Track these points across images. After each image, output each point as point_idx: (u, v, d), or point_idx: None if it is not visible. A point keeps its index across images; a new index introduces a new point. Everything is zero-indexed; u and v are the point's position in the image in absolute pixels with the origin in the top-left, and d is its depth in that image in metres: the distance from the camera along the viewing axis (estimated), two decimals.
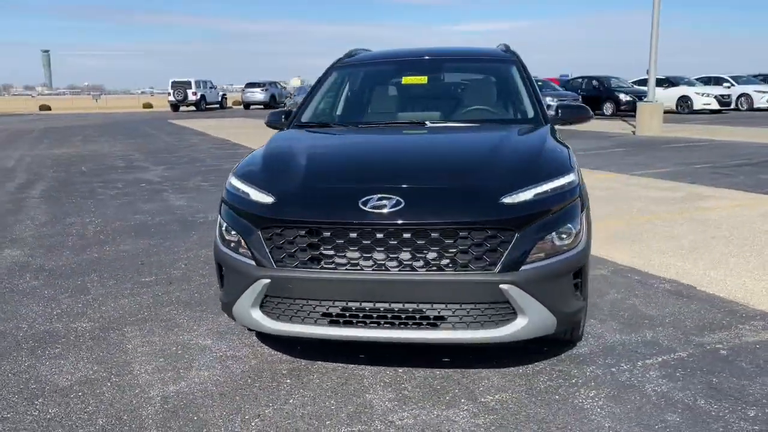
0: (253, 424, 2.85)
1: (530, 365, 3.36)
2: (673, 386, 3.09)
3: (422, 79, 4.61)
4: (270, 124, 4.54)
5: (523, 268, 2.91)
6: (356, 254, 2.94)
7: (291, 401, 3.05)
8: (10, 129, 26.19)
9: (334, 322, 3.03)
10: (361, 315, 2.99)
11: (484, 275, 2.88)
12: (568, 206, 3.10)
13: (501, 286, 2.87)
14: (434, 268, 2.90)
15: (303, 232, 2.99)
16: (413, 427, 2.79)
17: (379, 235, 2.91)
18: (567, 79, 32.27)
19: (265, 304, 3.10)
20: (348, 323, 3.02)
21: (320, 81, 4.74)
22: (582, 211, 3.17)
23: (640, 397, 3.00)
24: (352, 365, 3.40)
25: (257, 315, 3.12)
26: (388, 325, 2.98)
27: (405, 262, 2.91)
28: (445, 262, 2.90)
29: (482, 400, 3.01)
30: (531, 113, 4.12)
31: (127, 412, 2.99)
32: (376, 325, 2.99)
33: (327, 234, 2.96)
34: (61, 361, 3.56)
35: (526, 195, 3.01)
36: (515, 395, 3.05)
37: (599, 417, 2.84)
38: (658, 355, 3.45)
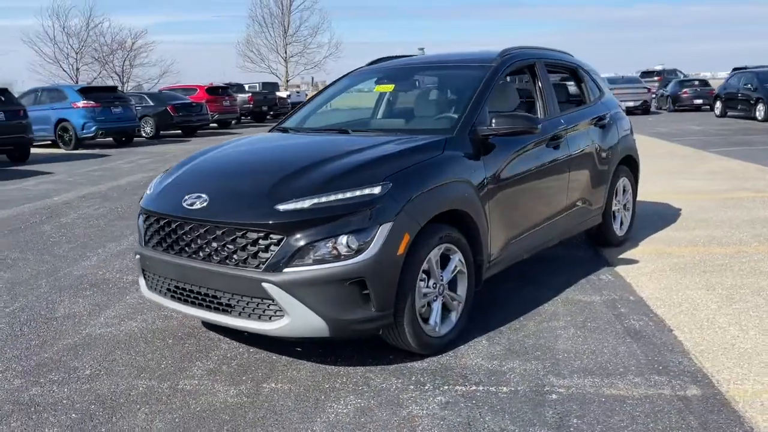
0: (101, 365, 3.64)
1: (351, 367, 3.47)
2: (434, 414, 2.96)
3: (389, 87, 4.75)
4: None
5: (286, 269, 3.13)
6: (178, 242, 3.50)
7: (147, 356, 3.76)
8: None
9: (173, 297, 3.64)
10: (184, 293, 3.55)
11: (252, 272, 3.19)
12: (355, 217, 3.16)
13: (263, 284, 3.15)
14: (221, 260, 3.31)
15: (152, 220, 3.66)
16: (185, 392, 3.27)
17: (187, 228, 3.43)
18: None
19: (144, 274, 3.86)
20: (179, 299, 3.60)
21: (326, 87, 5.19)
22: (379, 224, 3.18)
23: (383, 415, 2.96)
24: (235, 342, 3.91)
25: (142, 282, 3.89)
26: (199, 306, 3.49)
27: (204, 253, 3.38)
28: (227, 256, 3.29)
29: (263, 385, 3.32)
30: (449, 124, 3.98)
31: (53, 339, 4.04)
32: (192, 303, 3.52)
33: (162, 223, 3.58)
34: (80, 299, 4.81)
35: (303, 203, 3.19)
36: (292, 387, 3.27)
37: (320, 422, 2.93)
38: (479, 385, 3.23)
